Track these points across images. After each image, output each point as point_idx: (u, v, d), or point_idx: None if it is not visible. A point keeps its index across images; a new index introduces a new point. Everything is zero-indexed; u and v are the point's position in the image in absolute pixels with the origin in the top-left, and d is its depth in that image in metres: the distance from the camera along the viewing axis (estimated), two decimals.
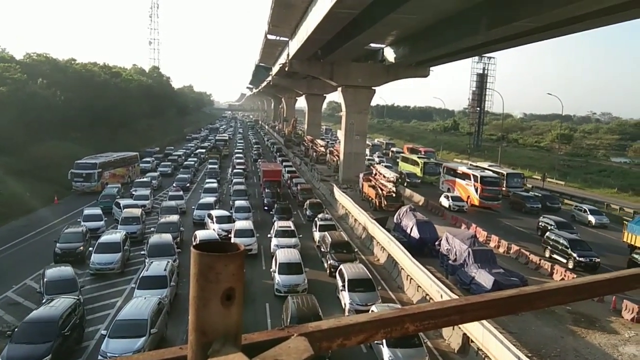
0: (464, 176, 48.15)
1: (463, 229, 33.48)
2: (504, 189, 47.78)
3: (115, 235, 26.97)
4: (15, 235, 30.81)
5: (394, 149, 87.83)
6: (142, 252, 26.27)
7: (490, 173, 48.81)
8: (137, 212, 32.66)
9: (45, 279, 20.50)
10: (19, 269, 25.07)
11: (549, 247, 31.37)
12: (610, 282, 1.77)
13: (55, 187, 41.81)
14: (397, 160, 71.56)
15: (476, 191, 45.14)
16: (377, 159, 69.19)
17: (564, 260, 29.47)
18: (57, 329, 16.13)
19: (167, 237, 26.90)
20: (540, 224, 37.67)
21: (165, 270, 21.68)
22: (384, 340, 16.24)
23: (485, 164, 56.72)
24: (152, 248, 25.35)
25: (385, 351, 16.34)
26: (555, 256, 30.44)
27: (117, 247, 25.57)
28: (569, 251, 29.44)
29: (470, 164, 56.93)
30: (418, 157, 63.20)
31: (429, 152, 76.35)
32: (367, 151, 77.52)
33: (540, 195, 49.45)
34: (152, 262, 22.66)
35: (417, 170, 58.51)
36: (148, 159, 61.28)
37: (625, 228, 34.49)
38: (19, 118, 46.86)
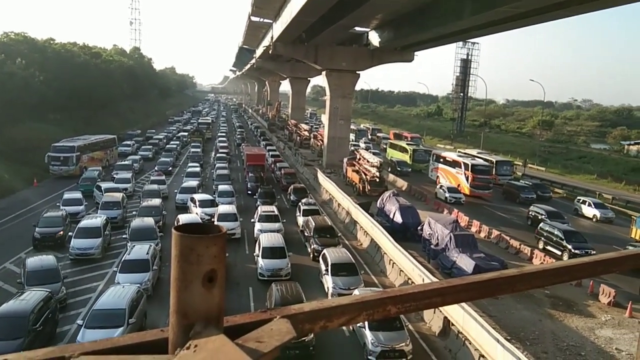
0: (454, 164, 46.65)
1: (445, 214, 33.80)
2: (495, 177, 46.29)
3: (95, 220, 26.33)
4: None
5: (380, 135, 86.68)
6: (124, 236, 26.04)
7: (481, 161, 47.26)
8: (118, 196, 31.97)
9: (26, 269, 19.66)
10: None
11: (542, 239, 30.47)
12: (590, 265, 1.80)
13: (34, 169, 41.18)
14: (384, 146, 70.29)
15: (467, 180, 43.68)
16: (363, 145, 68.09)
17: (559, 253, 28.64)
18: (28, 325, 15.22)
19: (149, 220, 26.67)
20: (530, 213, 36.62)
21: (147, 254, 21.42)
22: (366, 324, 16.41)
23: (474, 151, 55.23)
24: (134, 232, 25.10)
25: (368, 334, 16.52)
26: (549, 248, 29.55)
27: (97, 232, 24.97)
28: (564, 243, 28.44)
29: (459, 152, 55.30)
30: (407, 144, 61.16)
31: (415, 138, 74.36)
32: (353, 137, 76.12)
33: (531, 184, 47.81)
34: (134, 246, 22.39)
35: (406, 158, 56.63)
36: (128, 142, 60.04)
37: (634, 223, 33.64)
38: None
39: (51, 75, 58.02)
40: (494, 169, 47.84)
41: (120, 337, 1.16)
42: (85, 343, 1.12)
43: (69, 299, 19.73)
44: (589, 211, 40.52)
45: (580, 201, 42.31)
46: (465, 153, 52.97)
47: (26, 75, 53.50)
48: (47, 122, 53.35)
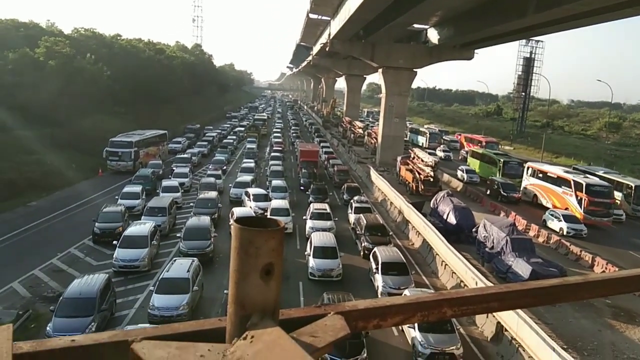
0: (560, 181, 38.50)
1: (502, 217, 32.87)
2: (614, 202, 36.68)
3: (142, 227, 24.34)
4: (60, 206, 32.00)
5: (447, 137, 79.53)
6: (178, 235, 25.41)
7: (597, 180, 38.03)
8: (166, 201, 29.75)
9: (63, 296, 17.08)
10: (64, 238, 26.10)
11: None
12: None
13: (98, 160, 43.00)
14: (465, 154, 61.89)
15: (580, 203, 35.43)
16: (442, 154, 62.05)
17: None
18: None
19: (205, 220, 26.04)
20: None
21: (188, 271, 19.11)
22: (416, 325, 16.23)
23: (600, 171, 44.51)
24: (188, 231, 24.48)
25: (418, 335, 16.32)
26: None
27: (144, 241, 22.91)
28: None
29: (576, 168, 45.71)
30: (495, 154, 51.09)
31: (490, 143, 64.47)
32: (424, 140, 71.21)
33: None
34: (174, 261, 20.51)
35: (494, 171, 47.29)
36: (179, 139, 59.41)
37: None
38: (66, 91, 48.27)
39: (117, 70, 60.53)
40: (633, 196, 39.54)
41: (179, 324, 1.20)
42: (147, 328, 1.17)
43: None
44: None
45: None
46: (581, 170, 43.15)
47: (94, 70, 56.02)
48: (112, 115, 55.62)
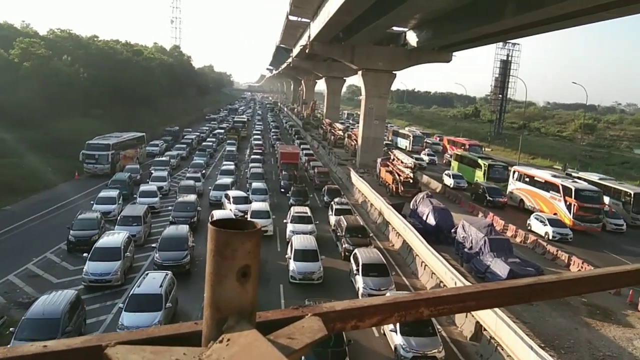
0: (548, 186, 37.42)
1: (480, 217, 33.23)
2: (607, 206, 36.02)
3: (115, 238, 22.70)
4: (36, 209, 31.37)
5: (428, 140, 77.49)
6: (153, 245, 24.25)
7: (586, 185, 37.19)
8: (140, 209, 28.21)
9: (24, 316, 15.68)
10: (40, 242, 25.58)
11: None
12: (632, 273, 1.74)
13: (75, 163, 42.19)
14: (449, 158, 59.21)
15: (569, 209, 34.33)
16: (427, 159, 60.92)
17: None
18: None
19: (182, 229, 24.87)
20: None
21: (160, 287, 17.75)
22: (398, 328, 16.28)
23: (594, 176, 42.93)
24: (165, 241, 23.08)
25: (398, 339, 16.36)
26: None
27: (116, 253, 21.36)
28: None
29: (567, 172, 45.29)
30: (479, 158, 49.87)
31: (474, 146, 63.38)
32: (407, 143, 70.92)
33: None
34: (146, 275, 19.12)
35: (478, 175, 46.20)
36: (157, 142, 57.83)
37: None
38: (42, 93, 47.39)
39: (94, 71, 59.67)
40: (631, 204, 37.80)
41: (155, 328, 1.19)
42: (121, 333, 1.15)
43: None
44: None
45: None
46: (571, 175, 41.99)
47: (71, 72, 55.12)
48: (89, 117, 54.73)
